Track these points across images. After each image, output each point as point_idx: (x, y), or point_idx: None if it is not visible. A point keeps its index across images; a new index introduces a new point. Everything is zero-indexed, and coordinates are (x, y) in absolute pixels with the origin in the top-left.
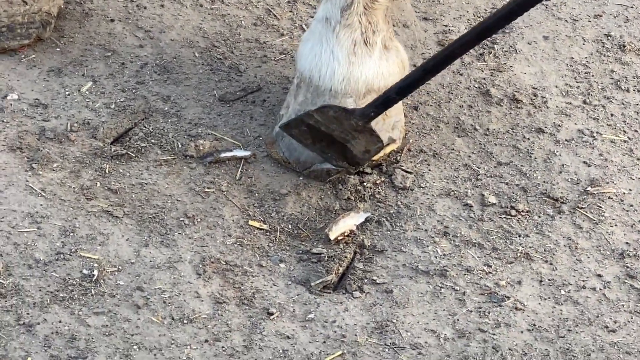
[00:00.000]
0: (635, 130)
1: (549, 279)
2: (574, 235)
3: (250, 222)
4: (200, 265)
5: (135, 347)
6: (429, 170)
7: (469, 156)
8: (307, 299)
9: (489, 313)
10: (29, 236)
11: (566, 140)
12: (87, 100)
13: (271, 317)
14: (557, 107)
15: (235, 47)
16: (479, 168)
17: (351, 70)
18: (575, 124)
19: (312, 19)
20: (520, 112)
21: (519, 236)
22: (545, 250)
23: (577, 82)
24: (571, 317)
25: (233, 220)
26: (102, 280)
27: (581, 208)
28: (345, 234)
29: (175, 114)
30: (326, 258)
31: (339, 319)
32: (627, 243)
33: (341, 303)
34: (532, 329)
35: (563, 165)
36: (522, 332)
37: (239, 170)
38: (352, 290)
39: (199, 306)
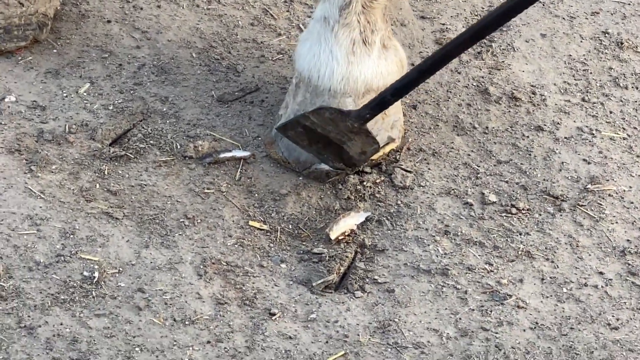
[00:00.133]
0: (635, 128)
1: (550, 277)
2: (575, 233)
3: (251, 223)
4: (201, 266)
5: (137, 348)
6: (429, 169)
7: (469, 155)
8: (308, 299)
9: (491, 311)
10: (28, 238)
11: (565, 138)
12: (85, 101)
13: (273, 318)
14: (555, 104)
15: (233, 48)
16: (479, 166)
17: (350, 69)
18: (574, 121)
19: (309, 19)
20: (519, 110)
21: (520, 234)
22: (546, 248)
23: (575, 79)
24: (573, 315)
25: (233, 221)
26: (103, 282)
27: (581, 206)
28: (346, 234)
29: (174, 115)
30: (327, 258)
31: (341, 319)
32: (628, 240)
33: (343, 303)
34: (535, 327)
35: (563, 163)
36: (524, 330)
37: (239, 170)
38: (354, 290)
39: (200, 307)
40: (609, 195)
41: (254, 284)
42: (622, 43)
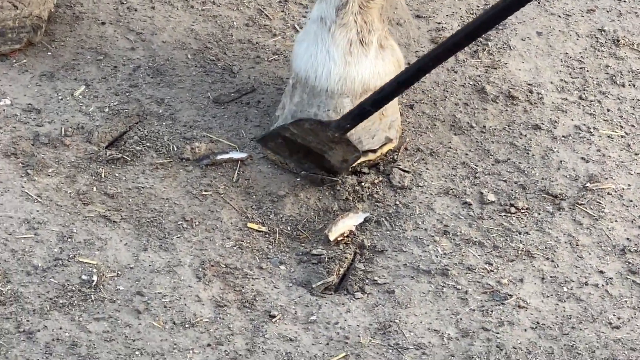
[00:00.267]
0: (632, 125)
1: (550, 276)
2: (575, 232)
3: (249, 225)
4: (200, 269)
5: (137, 352)
6: (427, 169)
7: (466, 154)
8: (308, 300)
9: (492, 312)
10: (26, 242)
11: (563, 136)
12: (81, 104)
13: (273, 320)
14: (552, 103)
15: (228, 48)
16: (477, 166)
17: (347, 70)
18: (572, 119)
19: (304, 19)
20: (516, 108)
21: (519, 234)
22: (546, 247)
23: (572, 77)
24: (574, 314)
25: (231, 223)
26: (101, 286)
27: (581, 204)
28: (345, 235)
29: (170, 117)
30: (326, 259)
31: (342, 321)
32: (627, 239)
33: (343, 304)
34: (536, 327)
35: (561, 161)
36: (525, 330)
37: (236, 172)
38: (354, 291)
39: (200, 310)
40: (608, 193)
41: (253, 286)
42: (618, 40)
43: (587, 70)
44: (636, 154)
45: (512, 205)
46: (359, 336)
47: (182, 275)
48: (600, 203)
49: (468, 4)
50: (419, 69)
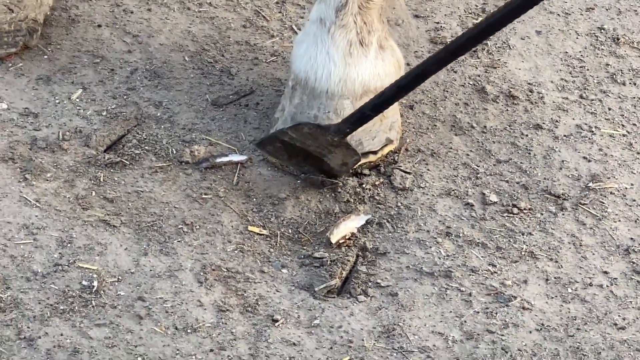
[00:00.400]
0: (634, 124)
1: (555, 277)
2: (578, 232)
3: (250, 228)
4: (202, 273)
5: (139, 358)
6: (428, 170)
7: (468, 154)
8: (311, 304)
9: (496, 313)
10: (25, 248)
11: (565, 135)
12: (78, 107)
13: (276, 324)
14: (553, 102)
15: (226, 50)
16: (478, 166)
17: (347, 71)
18: (573, 119)
19: (302, 20)
20: (517, 108)
21: (523, 234)
22: (549, 248)
23: (572, 76)
24: (579, 315)
25: (232, 226)
26: (102, 291)
27: (583, 204)
28: (347, 237)
29: (168, 120)
30: (329, 262)
31: (345, 324)
32: (631, 238)
33: (346, 307)
34: (541, 329)
35: (563, 161)
36: (530, 332)
37: (236, 175)
38: (357, 294)
39: (202, 315)
40: (611, 193)
41: (255, 290)
42: (618, 39)
43: (588, 69)
44: (638, 153)
45: (514, 205)
46: (362, 340)
47: (183, 279)
48: (603, 203)
49: (466, 3)
50: (420, 73)
